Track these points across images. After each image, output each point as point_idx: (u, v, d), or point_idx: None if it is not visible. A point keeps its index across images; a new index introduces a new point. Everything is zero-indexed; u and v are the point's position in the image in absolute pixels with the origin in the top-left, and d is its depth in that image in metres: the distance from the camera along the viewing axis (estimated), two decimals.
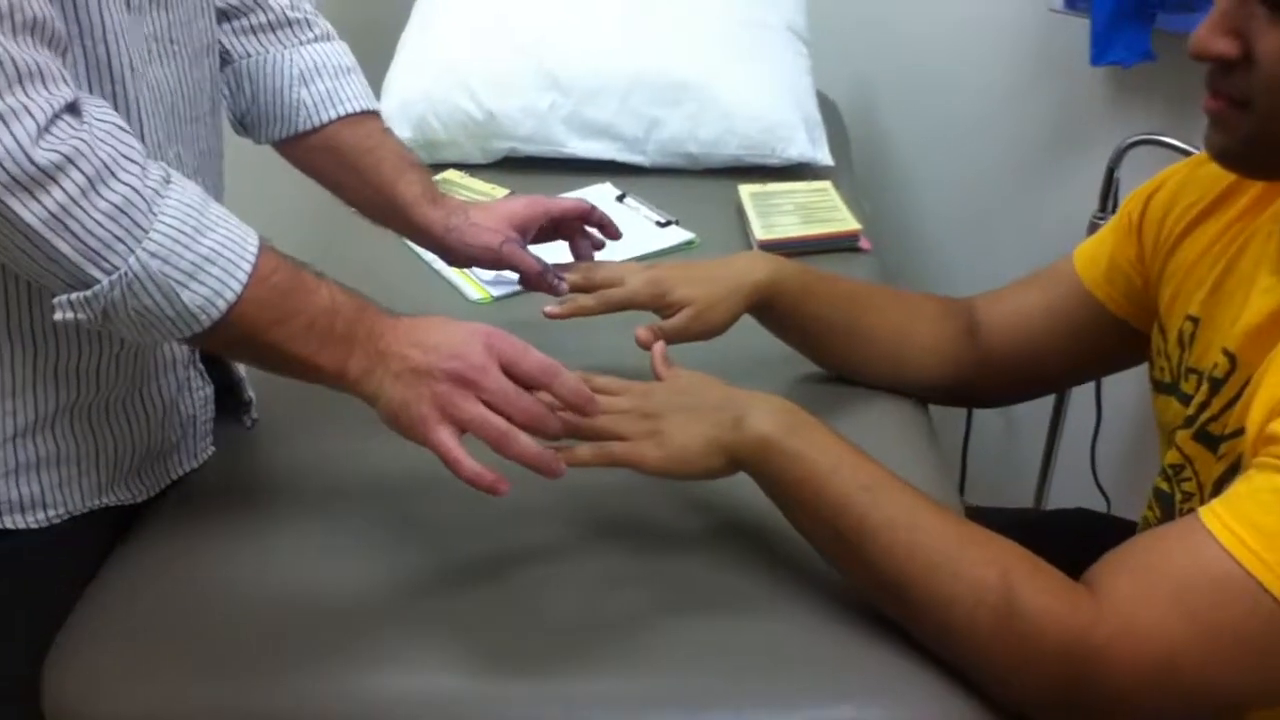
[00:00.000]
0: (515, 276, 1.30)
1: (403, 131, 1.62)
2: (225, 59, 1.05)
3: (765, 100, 1.61)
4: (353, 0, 1.99)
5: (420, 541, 0.90)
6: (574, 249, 1.15)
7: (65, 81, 0.72)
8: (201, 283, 0.74)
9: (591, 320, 1.03)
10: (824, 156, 1.61)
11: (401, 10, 1.79)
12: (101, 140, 0.72)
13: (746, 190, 1.50)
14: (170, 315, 0.74)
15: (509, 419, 0.77)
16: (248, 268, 0.76)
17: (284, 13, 1.06)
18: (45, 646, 0.83)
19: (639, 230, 1.45)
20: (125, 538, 0.92)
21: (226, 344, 0.80)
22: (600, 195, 1.56)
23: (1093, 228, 1.56)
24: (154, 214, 0.73)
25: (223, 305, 0.75)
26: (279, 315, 0.77)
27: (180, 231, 0.73)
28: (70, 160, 0.69)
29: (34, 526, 0.86)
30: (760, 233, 1.39)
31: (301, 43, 1.07)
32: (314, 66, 1.06)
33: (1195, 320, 0.85)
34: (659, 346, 0.93)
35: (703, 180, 1.61)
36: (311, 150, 1.08)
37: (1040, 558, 0.74)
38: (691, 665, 0.79)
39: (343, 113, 1.07)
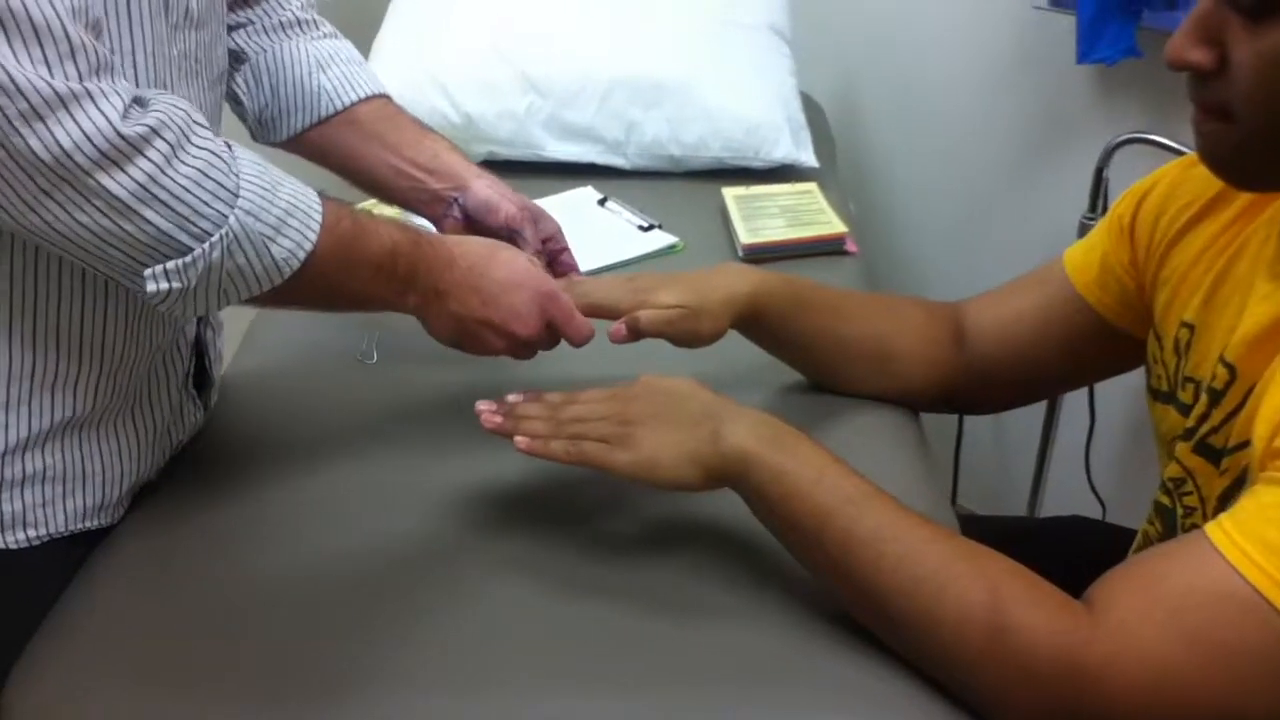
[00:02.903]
0: None
1: None
2: (239, 61, 1.07)
3: (748, 101, 1.59)
4: (328, 3, 1.97)
5: (389, 558, 0.87)
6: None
7: (124, 77, 0.74)
8: (286, 235, 0.77)
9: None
10: (809, 158, 1.59)
11: (376, 13, 1.77)
12: (174, 111, 0.73)
13: (731, 193, 1.48)
14: (259, 270, 0.77)
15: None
16: (319, 217, 0.79)
17: (295, 13, 1.10)
18: (7, 669, 0.80)
19: (622, 235, 1.43)
20: (90, 556, 0.89)
21: (295, 293, 0.81)
22: (582, 199, 1.53)
23: (1082, 228, 1.55)
24: (237, 174, 0.75)
25: (303, 255, 0.78)
26: (348, 260, 0.82)
27: (262, 187, 0.76)
28: (155, 131, 0.71)
29: (12, 547, 0.83)
30: (745, 236, 1.37)
31: (313, 39, 1.10)
32: (329, 56, 1.09)
33: (1191, 327, 0.83)
34: (629, 319, 0.94)
35: (686, 183, 1.60)
36: (330, 130, 1.09)
37: (1034, 572, 0.72)
38: (672, 681, 0.76)
39: (363, 94, 1.09)
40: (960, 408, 1.13)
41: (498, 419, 0.85)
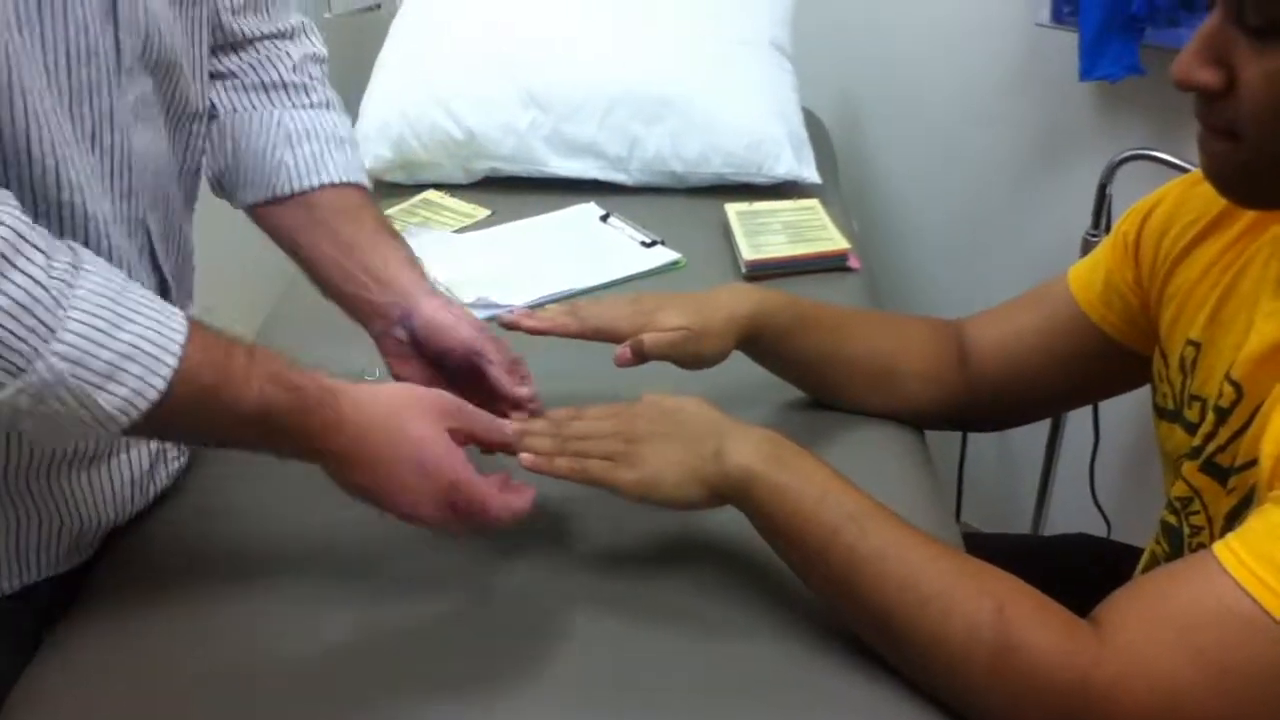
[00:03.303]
0: (498, 300, 1.29)
1: (381, 151, 1.60)
2: (211, 115, 0.97)
3: (750, 117, 1.59)
4: (329, 20, 1.97)
5: (391, 576, 0.87)
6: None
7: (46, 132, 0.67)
8: (120, 383, 0.65)
9: (580, 354, 1.00)
10: (811, 174, 1.59)
11: (379, 30, 1.77)
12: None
13: (733, 209, 1.47)
14: (88, 419, 0.65)
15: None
16: (173, 362, 0.67)
17: (283, 75, 1.00)
18: None
19: (624, 251, 1.43)
20: (65, 614, 0.86)
21: (147, 434, 0.71)
22: (584, 215, 1.53)
23: (1085, 245, 1.54)
24: (63, 308, 0.63)
25: (144, 405, 0.66)
26: (206, 415, 0.71)
27: (94, 328, 0.64)
28: None
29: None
30: (748, 252, 1.37)
31: (296, 106, 1.00)
32: (304, 130, 0.98)
33: (1197, 345, 0.83)
34: (634, 343, 0.92)
35: (688, 199, 1.60)
36: (283, 210, 0.98)
37: (1041, 591, 0.71)
38: (675, 699, 0.76)
39: (326, 180, 0.98)
40: (964, 425, 1.12)
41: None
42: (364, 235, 0.97)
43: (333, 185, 0.98)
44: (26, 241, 0.63)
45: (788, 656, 0.78)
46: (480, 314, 1.27)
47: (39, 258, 0.64)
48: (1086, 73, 1.58)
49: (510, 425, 0.85)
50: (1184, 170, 1.38)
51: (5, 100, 0.68)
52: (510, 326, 0.96)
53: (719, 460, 0.79)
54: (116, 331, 0.65)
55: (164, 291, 0.90)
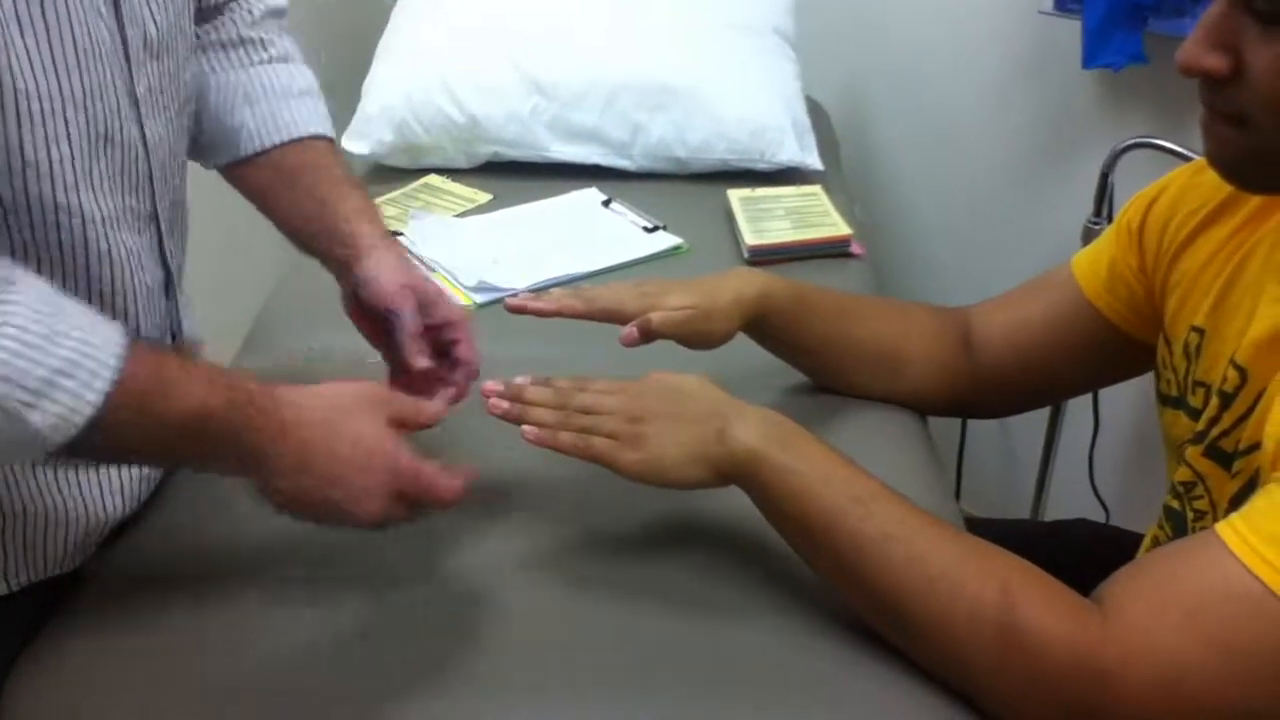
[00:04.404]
0: (500, 284, 1.29)
1: (384, 135, 1.59)
2: None
3: (753, 104, 1.59)
4: (332, 4, 1.97)
5: (395, 557, 0.86)
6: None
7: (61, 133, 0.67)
8: (54, 400, 0.63)
9: (583, 339, 1.00)
10: (814, 161, 1.59)
11: (381, 14, 1.77)
12: None
13: (736, 195, 1.47)
14: (17, 439, 0.63)
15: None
16: (109, 375, 0.65)
17: (239, 31, 0.99)
18: None
19: (626, 236, 1.43)
20: (57, 609, 0.85)
21: (86, 456, 0.69)
22: (586, 200, 1.53)
23: (1087, 233, 1.54)
24: None
25: (80, 420, 0.64)
26: (143, 426, 0.68)
27: (24, 344, 0.62)
28: None
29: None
30: (750, 238, 1.37)
31: (253, 63, 1.00)
32: (262, 88, 0.98)
33: (1201, 331, 0.83)
34: (641, 321, 0.91)
35: (691, 185, 1.59)
36: (254, 169, 0.99)
37: (1046, 572, 0.72)
38: (682, 683, 0.76)
39: (286, 137, 0.98)
40: (967, 412, 1.13)
41: (505, 404, 0.84)
42: (326, 189, 0.96)
43: (294, 140, 0.98)
44: None
45: (790, 638, 0.79)
46: (481, 298, 1.28)
47: None
48: (1090, 61, 1.58)
49: (434, 405, 0.84)
50: (1187, 159, 1.38)
51: None
52: (517, 310, 0.96)
53: (723, 440, 0.79)
54: (51, 348, 0.63)
55: (168, 284, 0.90)
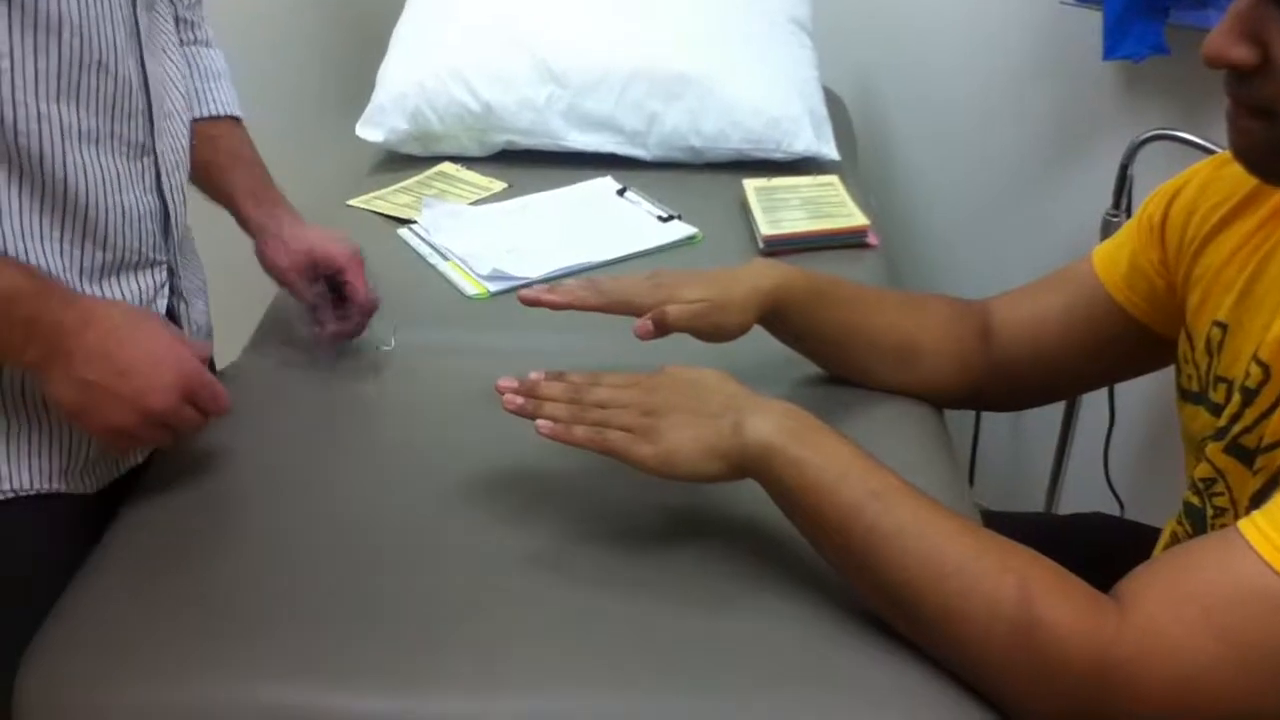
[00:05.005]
0: (513, 273, 1.29)
1: (398, 123, 1.59)
2: None
3: (769, 93, 1.58)
4: None
5: (409, 547, 0.87)
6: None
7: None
8: None
9: (597, 329, 1.00)
10: (830, 151, 1.58)
11: (396, 1, 1.76)
12: None
13: (751, 185, 1.47)
14: None
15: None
16: None
17: (178, 11, 1.07)
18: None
19: (640, 225, 1.43)
20: (100, 541, 0.89)
21: None
22: (601, 189, 1.53)
23: (1106, 225, 1.53)
24: None
25: None
26: None
27: None
28: None
29: None
30: (766, 228, 1.36)
31: (184, 44, 1.08)
32: (189, 67, 1.08)
33: (1224, 326, 0.82)
34: (656, 315, 0.92)
35: (706, 175, 1.59)
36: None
37: (1063, 567, 0.71)
38: (695, 676, 0.76)
39: (204, 114, 1.10)
40: (984, 405, 1.12)
41: (519, 400, 0.84)
42: (221, 160, 1.11)
43: (213, 118, 1.11)
44: None
45: (805, 631, 0.78)
46: (495, 286, 1.28)
47: None
48: (1110, 52, 1.56)
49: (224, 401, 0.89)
50: (1207, 151, 1.37)
51: None
52: (531, 303, 0.96)
53: (738, 433, 0.78)
54: None
55: (165, 218, 0.95)
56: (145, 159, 0.91)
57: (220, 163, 1.10)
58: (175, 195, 0.96)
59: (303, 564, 0.85)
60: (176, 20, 1.06)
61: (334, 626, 0.79)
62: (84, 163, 0.85)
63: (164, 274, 0.97)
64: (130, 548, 0.88)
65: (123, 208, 0.89)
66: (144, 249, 0.93)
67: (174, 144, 0.96)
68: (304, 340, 1.11)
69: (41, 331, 0.78)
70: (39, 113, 0.80)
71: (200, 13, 1.12)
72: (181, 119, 0.98)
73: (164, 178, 0.94)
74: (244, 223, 1.12)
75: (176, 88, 0.98)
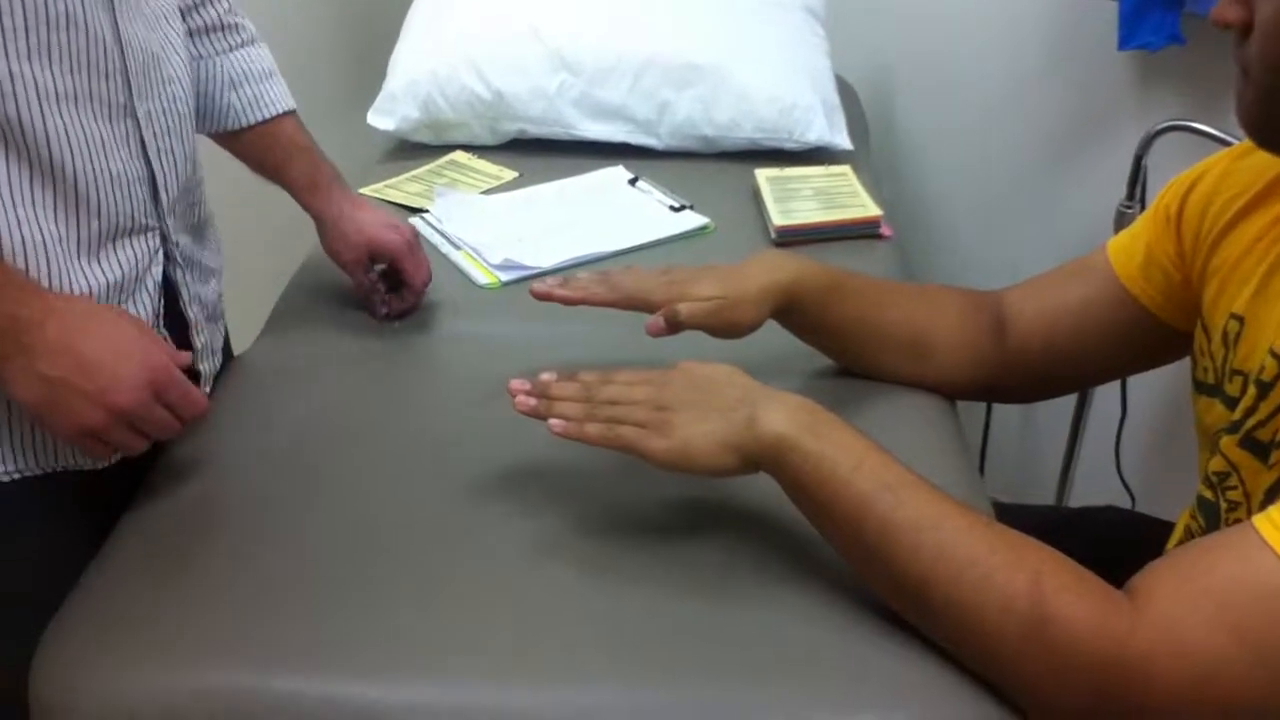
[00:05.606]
0: (525, 262, 1.28)
1: (409, 111, 1.59)
2: None
3: (782, 82, 1.57)
4: None
5: (420, 540, 0.87)
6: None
7: None
8: None
9: (608, 319, 1.00)
10: (843, 141, 1.57)
11: None
12: None
13: (763, 174, 1.46)
14: None
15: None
16: None
17: (221, 17, 1.10)
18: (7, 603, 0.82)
19: (652, 215, 1.42)
20: (114, 528, 0.89)
21: None
22: (613, 178, 1.52)
23: (1120, 216, 1.52)
24: None
25: None
26: None
27: None
28: None
29: None
30: (778, 218, 1.36)
31: (232, 47, 1.12)
32: (242, 73, 1.12)
33: (1240, 319, 0.82)
34: (668, 312, 0.91)
35: (718, 164, 1.58)
36: (233, 141, 1.15)
37: (1076, 562, 0.71)
38: (699, 672, 0.76)
39: (265, 116, 1.14)
40: (996, 397, 1.11)
41: (531, 401, 0.84)
42: (278, 153, 1.14)
43: (275, 117, 1.14)
44: None
45: (816, 623, 0.78)
46: (506, 276, 1.27)
47: None
48: (1125, 41, 1.56)
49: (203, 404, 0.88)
50: (1223, 142, 1.36)
51: None
52: (543, 297, 0.95)
53: (751, 427, 0.78)
54: None
55: (152, 183, 0.94)
56: (128, 121, 0.90)
57: (277, 160, 1.15)
58: (164, 160, 0.95)
59: (316, 551, 0.85)
60: (220, 28, 1.10)
61: (348, 615, 0.79)
62: (64, 125, 0.83)
63: (157, 239, 0.95)
64: (144, 534, 0.88)
65: (110, 173, 0.88)
66: (135, 214, 0.92)
67: (169, 108, 0.95)
68: (318, 326, 1.15)
69: (2, 322, 0.76)
70: (10, 72, 0.79)
71: (239, 12, 1.14)
72: (182, 85, 0.98)
73: (149, 141, 0.93)
74: (308, 211, 1.18)
75: (178, 54, 0.98)
